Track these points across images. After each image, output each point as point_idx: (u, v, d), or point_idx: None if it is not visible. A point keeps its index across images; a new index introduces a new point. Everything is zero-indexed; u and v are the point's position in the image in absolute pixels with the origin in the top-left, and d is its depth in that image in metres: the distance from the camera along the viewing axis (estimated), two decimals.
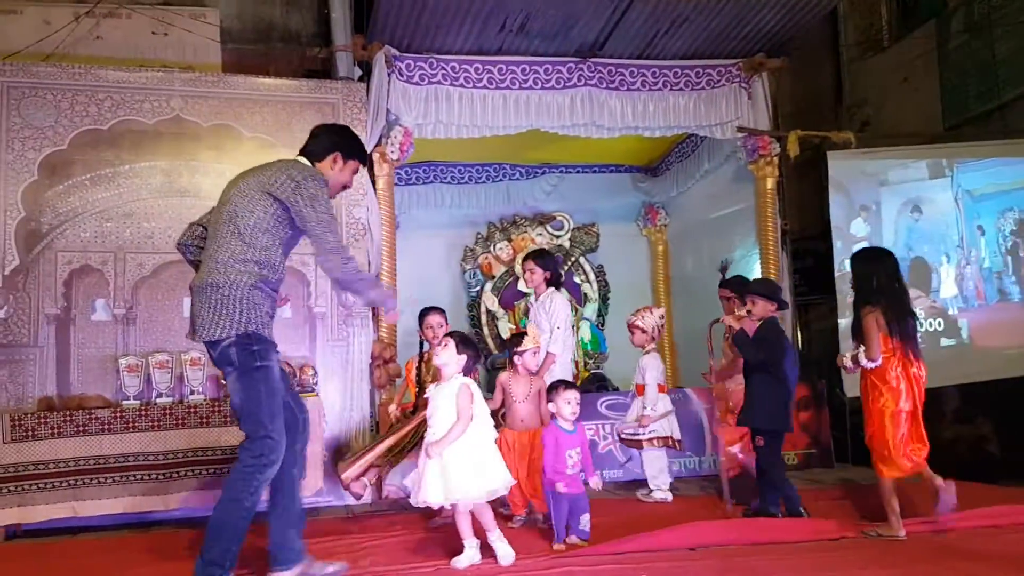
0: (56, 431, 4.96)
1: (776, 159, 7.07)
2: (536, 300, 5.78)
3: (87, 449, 4.95)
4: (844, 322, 6.88)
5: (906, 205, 7.10)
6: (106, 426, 5.03)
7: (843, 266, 6.99)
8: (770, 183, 7.12)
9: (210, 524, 3.32)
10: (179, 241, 3.83)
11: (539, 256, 5.77)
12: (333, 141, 3.77)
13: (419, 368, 5.14)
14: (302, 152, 3.75)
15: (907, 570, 3.54)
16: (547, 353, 5.34)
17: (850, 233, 7.02)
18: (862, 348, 4.28)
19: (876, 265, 4.45)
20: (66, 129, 5.58)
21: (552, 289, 5.65)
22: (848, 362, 4.38)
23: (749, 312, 4.75)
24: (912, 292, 6.81)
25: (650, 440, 5.42)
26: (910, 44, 7.94)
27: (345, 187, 3.85)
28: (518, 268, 9.14)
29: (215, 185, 5.83)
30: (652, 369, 5.54)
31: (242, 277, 3.41)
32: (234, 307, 3.38)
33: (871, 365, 4.26)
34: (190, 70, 6.13)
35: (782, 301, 4.89)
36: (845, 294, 6.89)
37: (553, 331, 5.47)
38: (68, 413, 5.03)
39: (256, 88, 6.01)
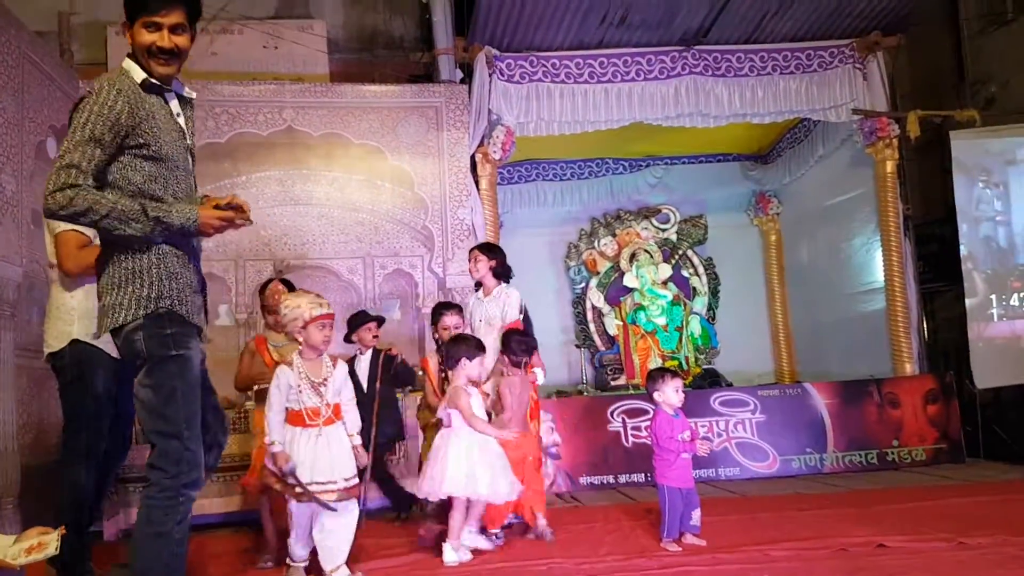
0: None
1: (895, 141, 6.77)
2: (485, 296, 5.11)
3: None
4: (972, 302, 6.51)
5: None
6: (232, 426, 5.25)
7: (968, 250, 6.61)
8: (890, 166, 6.83)
9: (136, 571, 2.57)
10: None
11: (483, 245, 5.23)
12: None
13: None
14: None
15: None
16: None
17: (981, 218, 6.62)
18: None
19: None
20: None
21: (504, 284, 5.09)
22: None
23: None
24: None
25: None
26: None
27: (151, 51, 2.62)
28: (623, 263, 9.07)
29: (327, 192, 6.10)
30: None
31: (142, 241, 2.57)
32: (140, 279, 2.57)
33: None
34: (300, 81, 6.35)
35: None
36: (974, 280, 6.53)
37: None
38: None
39: (362, 96, 6.17)
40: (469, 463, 3.86)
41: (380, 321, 4.88)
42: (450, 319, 4.56)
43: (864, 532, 4.00)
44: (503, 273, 5.05)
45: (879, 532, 3.96)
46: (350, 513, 3.61)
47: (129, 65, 2.63)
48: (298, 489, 3.48)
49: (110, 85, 2.52)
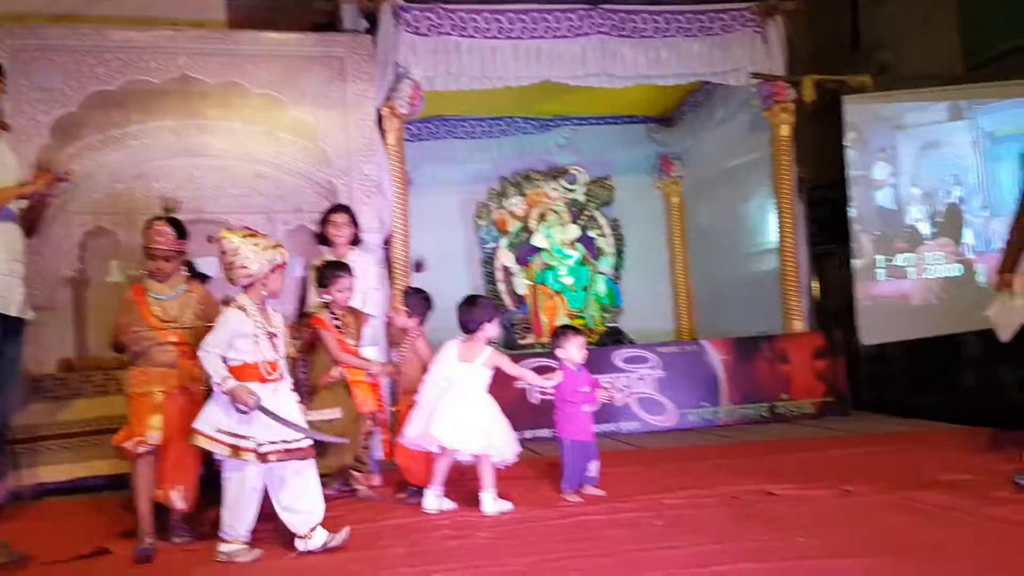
0: (75, 392, 5.02)
1: (792, 105, 6.94)
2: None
3: (105, 409, 5.00)
4: (859, 263, 6.79)
5: (924, 149, 6.96)
6: (123, 387, 5.06)
7: (857, 212, 6.84)
8: (785, 130, 7.00)
9: None
10: None
11: (350, 210, 5.14)
12: None
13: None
14: None
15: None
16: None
17: (870, 181, 6.89)
18: None
19: None
20: (75, 91, 5.58)
21: (359, 249, 5.06)
22: None
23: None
24: (942, 239, 6.75)
25: None
26: None
27: None
28: (532, 223, 9.11)
29: (224, 144, 5.87)
30: None
31: None
32: None
33: None
34: (199, 27, 6.07)
35: None
36: (862, 241, 6.81)
37: (368, 292, 4.98)
38: (87, 374, 5.08)
39: (262, 43, 5.95)
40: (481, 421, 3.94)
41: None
42: (346, 281, 4.44)
43: (753, 481, 4.17)
44: (358, 240, 4.99)
45: (768, 481, 4.14)
46: (314, 470, 3.43)
47: None
48: (261, 442, 3.22)
49: None
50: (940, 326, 6.73)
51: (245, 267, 3.32)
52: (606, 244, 9.38)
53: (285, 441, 3.27)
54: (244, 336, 3.29)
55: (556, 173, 9.32)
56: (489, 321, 4.10)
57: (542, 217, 9.15)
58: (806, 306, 7.00)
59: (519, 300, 9.08)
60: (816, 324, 7.14)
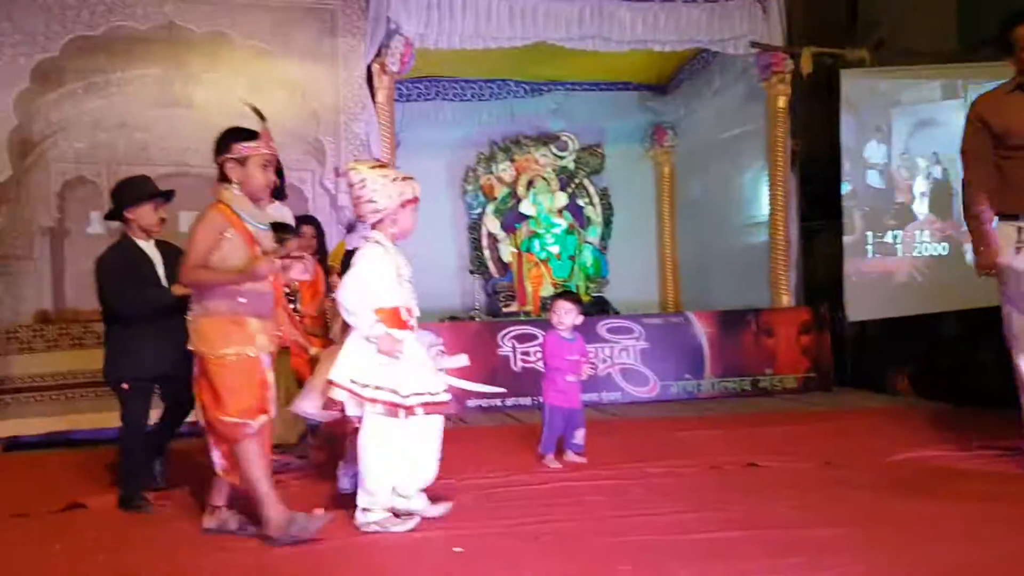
0: (52, 344, 4.95)
1: (789, 77, 6.89)
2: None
3: (83, 363, 4.94)
4: (849, 239, 6.75)
5: (918, 126, 6.91)
6: (101, 339, 4.99)
7: (850, 187, 6.79)
8: (782, 102, 6.95)
9: None
10: None
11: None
12: None
13: None
14: None
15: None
16: None
17: (863, 157, 6.84)
18: None
19: None
20: (58, 35, 5.46)
21: (279, 203, 4.54)
22: None
23: None
24: (931, 217, 6.72)
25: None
26: None
27: None
28: (521, 190, 9.03)
29: (208, 96, 5.75)
30: None
31: None
32: None
33: None
34: None
35: None
36: (853, 217, 6.77)
37: None
38: (64, 326, 5.01)
39: None
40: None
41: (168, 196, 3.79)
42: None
43: (735, 452, 4.17)
44: (281, 193, 4.58)
45: (749, 452, 4.13)
46: None
47: None
48: (406, 394, 2.90)
49: None
50: (925, 304, 6.72)
51: (373, 201, 3.00)
52: (594, 213, 9.32)
53: (431, 393, 2.98)
54: (385, 276, 2.99)
55: (546, 139, 9.22)
56: None
57: (530, 184, 9.07)
58: (794, 281, 7.00)
59: (504, 267, 9.02)
60: (803, 299, 7.13)
